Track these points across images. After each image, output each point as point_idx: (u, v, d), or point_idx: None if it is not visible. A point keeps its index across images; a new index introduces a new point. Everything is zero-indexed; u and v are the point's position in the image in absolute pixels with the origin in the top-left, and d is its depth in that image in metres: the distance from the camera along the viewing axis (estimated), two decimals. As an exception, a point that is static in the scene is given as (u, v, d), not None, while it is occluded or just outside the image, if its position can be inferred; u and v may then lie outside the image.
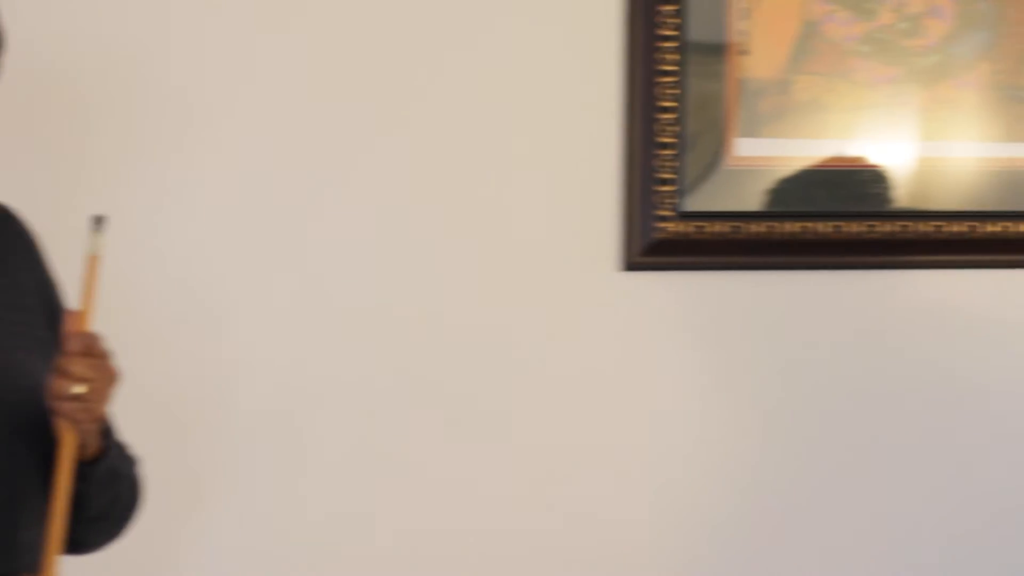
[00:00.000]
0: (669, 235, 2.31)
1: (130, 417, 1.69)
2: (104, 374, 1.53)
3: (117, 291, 1.67)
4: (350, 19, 2.18)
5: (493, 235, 2.25)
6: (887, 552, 2.40)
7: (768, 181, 2.34)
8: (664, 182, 2.30)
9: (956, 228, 2.39)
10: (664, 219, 2.30)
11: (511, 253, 2.26)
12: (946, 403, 2.41)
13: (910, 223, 2.37)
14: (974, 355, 2.42)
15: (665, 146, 2.30)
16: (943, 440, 2.41)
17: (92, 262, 1.54)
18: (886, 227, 2.37)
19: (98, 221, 1.54)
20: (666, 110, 2.30)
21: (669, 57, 2.30)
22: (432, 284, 2.23)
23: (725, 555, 2.35)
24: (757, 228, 2.34)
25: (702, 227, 2.32)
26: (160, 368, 2.10)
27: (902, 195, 2.38)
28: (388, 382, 2.22)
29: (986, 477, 2.43)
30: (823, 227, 2.35)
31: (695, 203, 2.32)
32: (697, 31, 2.31)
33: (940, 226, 2.38)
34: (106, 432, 1.60)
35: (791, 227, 2.34)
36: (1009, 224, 2.41)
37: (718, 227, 2.32)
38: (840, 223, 2.35)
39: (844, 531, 2.38)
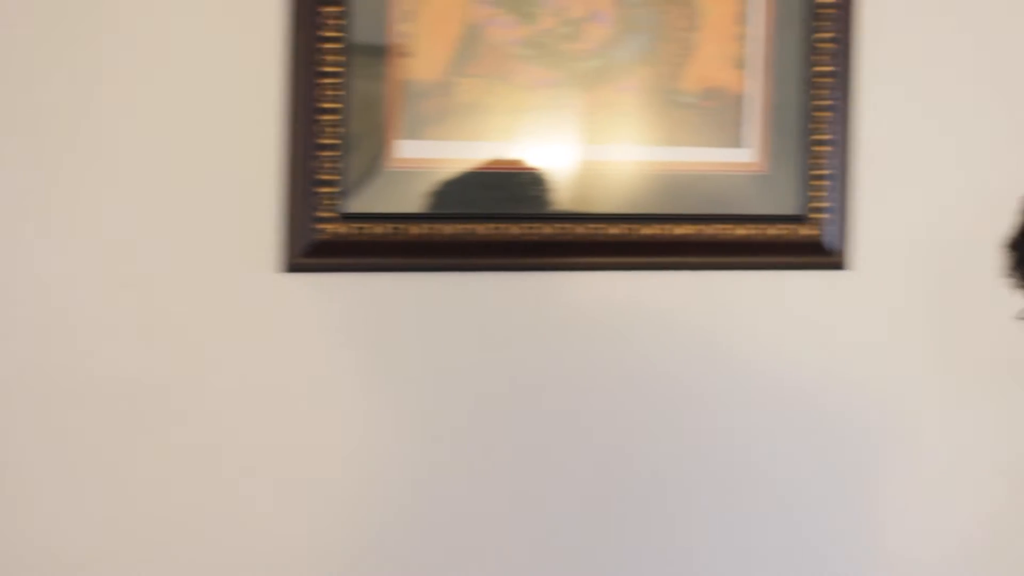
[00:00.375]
0: (330, 236, 2.31)
1: None
2: None
3: None
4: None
5: (149, 237, 2.22)
6: (558, 548, 2.45)
7: (430, 183, 2.36)
8: (326, 183, 2.30)
9: (615, 230, 2.44)
10: (325, 220, 2.31)
11: (168, 255, 2.24)
12: (606, 402, 2.46)
13: (569, 225, 2.41)
14: (634, 355, 2.47)
15: (327, 147, 2.30)
16: (607, 438, 2.47)
17: None
18: (546, 229, 2.41)
19: None
20: (328, 111, 2.29)
21: (331, 59, 2.29)
22: (85, 286, 2.20)
23: (389, 556, 2.38)
24: (419, 230, 2.35)
25: (363, 229, 2.33)
26: None
27: (563, 197, 2.41)
28: (38, 385, 2.18)
29: (637, 474, 2.50)
30: (484, 229, 2.38)
31: (357, 204, 2.32)
32: (360, 33, 2.31)
33: (599, 228, 2.43)
34: None
35: (452, 229, 2.36)
36: (667, 226, 2.46)
37: (379, 229, 2.34)
38: (500, 225, 2.38)
39: (510, 530, 2.43)
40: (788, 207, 2.52)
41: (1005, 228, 2.51)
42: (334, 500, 2.35)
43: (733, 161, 2.49)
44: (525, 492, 2.44)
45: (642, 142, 2.44)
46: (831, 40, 2.52)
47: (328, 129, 2.29)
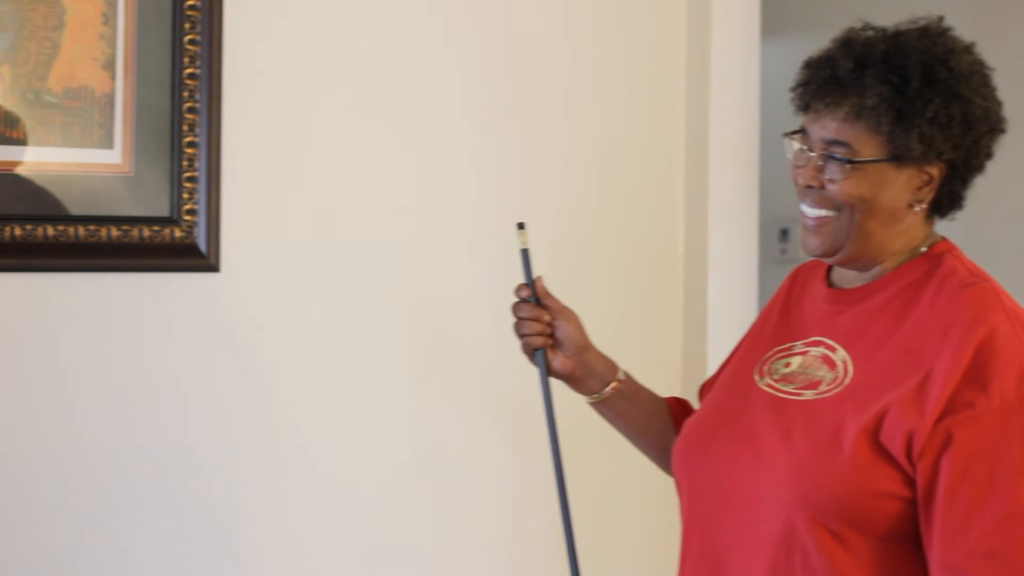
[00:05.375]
0: None
1: None
2: None
3: None
4: None
5: None
6: None
7: None
8: None
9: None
10: None
11: None
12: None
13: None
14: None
15: None
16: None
17: None
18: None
19: None
20: None
21: None
22: None
23: None
24: None
25: None
26: None
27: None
28: None
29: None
30: None
31: None
32: None
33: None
34: None
35: None
36: (33, 228, 2.41)
37: None
38: None
39: None
40: (158, 209, 2.52)
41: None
42: None
43: (101, 162, 2.47)
44: None
45: (4, 141, 2.38)
46: (198, 43, 2.52)
47: None
